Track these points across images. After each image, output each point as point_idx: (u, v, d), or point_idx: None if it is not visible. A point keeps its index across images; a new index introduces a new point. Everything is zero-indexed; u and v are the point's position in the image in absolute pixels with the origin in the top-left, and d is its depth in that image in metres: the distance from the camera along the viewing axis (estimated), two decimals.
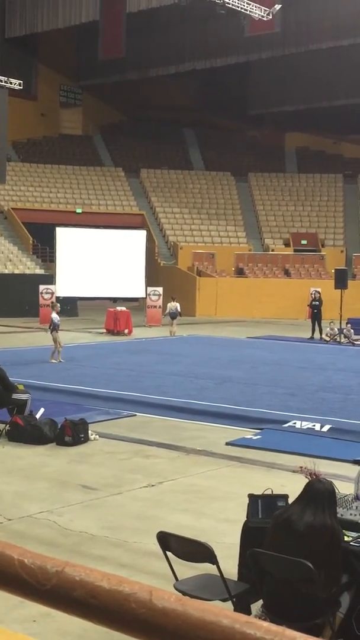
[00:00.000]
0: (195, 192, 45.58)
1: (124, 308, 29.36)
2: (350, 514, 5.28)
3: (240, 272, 40.10)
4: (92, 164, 46.47)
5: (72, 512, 7.90)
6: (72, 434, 10.92)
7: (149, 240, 38.92)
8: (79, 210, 42.01)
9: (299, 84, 44.14)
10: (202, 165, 48.73)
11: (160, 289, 32.47)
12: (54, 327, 20.08)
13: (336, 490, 5.14)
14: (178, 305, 28.79)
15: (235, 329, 30.60)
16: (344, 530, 5.05)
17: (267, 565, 4.93)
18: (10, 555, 1.00)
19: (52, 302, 24.37)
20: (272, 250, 42.20)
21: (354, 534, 5.09)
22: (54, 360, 19.62)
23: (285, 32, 36.95)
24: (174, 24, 39.60)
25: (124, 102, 49.77)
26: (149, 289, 33.00)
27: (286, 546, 4.83)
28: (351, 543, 5.05)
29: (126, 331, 28.21)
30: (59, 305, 21.92)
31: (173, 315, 28.26)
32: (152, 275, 36.50)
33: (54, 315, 20.45)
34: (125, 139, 48.98)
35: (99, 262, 35.33)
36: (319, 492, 4.95)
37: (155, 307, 32.28)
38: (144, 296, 34.02)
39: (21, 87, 33.43)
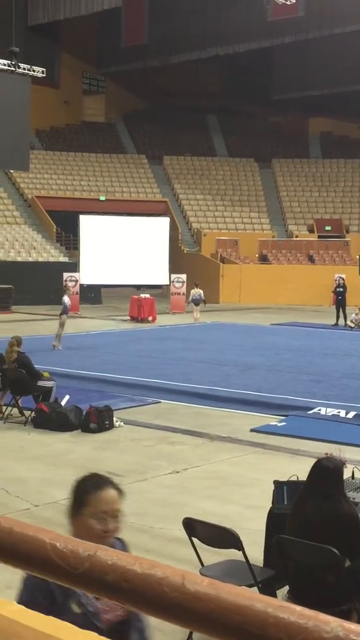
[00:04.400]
0: (218, 179, 45.44)
1: (147, 295, 29.39)
2: None
3: (264, 259, 39.97)
4: (115, 151, 46.44)
5: None
6: (97, 421, 10.97)
7: (173, 227, 38.88)
8: (102, 198, 42.03)
9: (323, 68, 43.74)
10: (225, 151, 48.54)
11: (183, 276, 32.45)
12: (63, 311, 20.09)
13: (356, 472, 5.12)
14: (201, 292, 28.78)
15: (259, 316, 30.53)
16: None
17: (292, 552, 4.93)
18: (42, 539, 1.00)
19: (65, 286, 24.33)
20: (296, 237, 42.00)
21: None
22: (55, 343, 19.56)
23: (309, 16, 36.62)
24: (196, 9, 39.37)
25: (147, 89, 49.60)
26: (173, 276, 33.01)
27: (303, 533, 4.82)
28: None
29: (150, 318, 28.24)
30: (71, 288, 21.89)
31: (196, 302, 28.26)
32: (176, 263, 36.48)
33: (66, 299, 20.45)
34: (148, 126, 48.87)
35: (123, 249, 35.38)
36: (325, 470, 4.90)
37: (178, 294, 32.28)
38: (168, 283, 34.04)
39: (44, 75, 33.39)
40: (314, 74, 44.31)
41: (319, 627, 0.76)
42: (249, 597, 0.83)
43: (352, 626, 0.74)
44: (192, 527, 5.34)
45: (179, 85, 47.68)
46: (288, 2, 33.27)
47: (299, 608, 0.82)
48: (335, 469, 4.96)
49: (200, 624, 0.85)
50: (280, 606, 0.80)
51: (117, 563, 0.93)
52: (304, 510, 4.88)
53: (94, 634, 1.21)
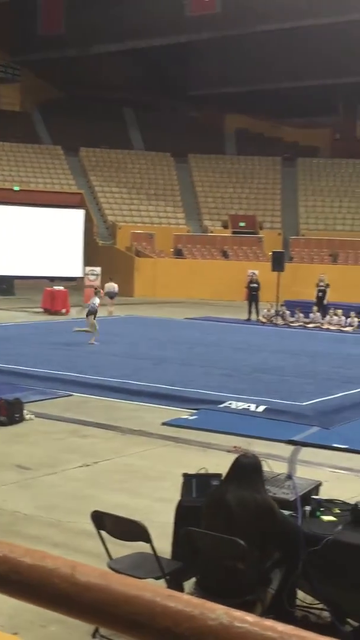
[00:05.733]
0: (134, 172, 45.37)
1: (61, 287, 29.14)
2: (283, 493, 5.36)
3: (178, 253, 40.13)
4: (30, 141, 45.80)
5: (6, 492, 7.85)
6: (7, 414, 10.83)
7: (88, 219, 38.64)
8: (16, 188, 41.37)
9: (240, 65, 44.19)
10: (141, 145, 48.50)
11: (98, 269, 32.29)
12: (90, 312, 19.93)
13: (263, 465, 5.22)
14: (116, 285, 28.73)
15: (173, 310, 30.64)
16: None
17: (200, 544, 4.98)
18: None
19: (96, 288, 23.81)
20: (211, 232, 42.31)
21: (286, 512, 5.17)
22: (94, 342, 19.42)
23: (227, 13, 36.94)
24: (115, 1, 39.20)
25: (64, 79, 49.11)
26: (87, 268, 32.81)
27: (219, 524, 4.89)
28: None
29: (63, 311, 28.03)
30: (101, 291, 21.70)
31: (111, 296, 28.18)
32: (90, 255, 36.27)
33: (96, 300, 20.32)
34: (65, 117, 48.34)
35: (37, 241, 34.98)
36: (244, 467, 5.02)
37: (92, 287, 32.08)
38: (82, 276, 33.81)
39: None
40: (231, 71, 44.72)
41: (205, 615, 0.77)
42: (139, 587, 0.84)
43: (236, 613, 0.76)
44: (101, 520, 5.34)
45: (97, 76, 47.33)
46: None
47: (186, 597, 0.83)
48: (254, 464, 5.06)
49: (91, 615, 0.85)
50: (168, 595, 0.81)
51: (8, 555, 0.92)
52: (223, 502, 4.94)
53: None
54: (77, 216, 36.78)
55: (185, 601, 0.80)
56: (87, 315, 20.18)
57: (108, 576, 0.88)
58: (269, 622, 0.76)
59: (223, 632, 0.74)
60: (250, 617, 0.75)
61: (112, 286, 28.59)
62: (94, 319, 19.86)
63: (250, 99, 46.78)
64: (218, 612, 0.77)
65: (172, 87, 47.02)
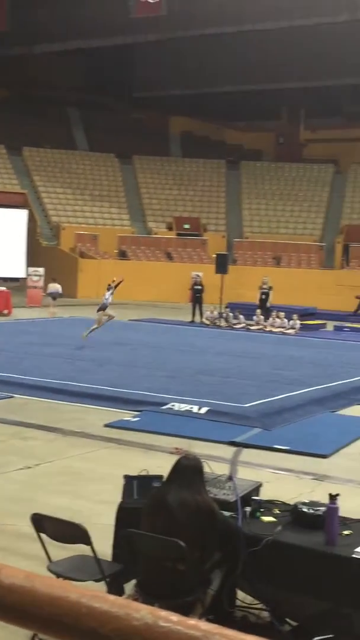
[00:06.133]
0: (79, 173, 45.15)
1: (3, 288, 28.82)
2: (223, 494, 5.39)
3: (122, 255, 40.04)
4: None
5: None
6: None
7: (31, 220, 38.34)
8: None
9: (185, 68, 44.34)
10: (86, 145, 48.29)
11: (41, 270, 32.05)
12: (101, 307, 19.93)
13: (205, 467, 5.24)
14: (59, 286, 28.57)
15: (116, 312, 30.51)
16: None
17: (140, 545, 4.98)
18: None
19: (109, 284, 23.45)
20: (155, 234, 42.33)
21: (227, 513, 5.19)
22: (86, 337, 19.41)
23: (172, 16, 36.98)
24: (60, 1, 38.97)
25: (7, 77, 48.55)
26: (30, 269, 32.53)
27: (160, 525, 4.89)
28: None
29: (6, 312, 27.74)
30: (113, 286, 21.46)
31: (54, 297, 28.01)
32: (34, 256, 35.98)
33: (108, 295, 20.34)
34: (8, 116, 47.77)
35: None
36: (185, 469, 5.04)
37: (36, 287, 31.85)
38: (25, 276, 33.50)
39: None
40: (176, 74, 44.84)
41: (130, 615, 0.76)
42: (65, 588, 0.83)
43: (161, 613, 0.76)
44: (41, 523, 5.30)
45: (41, 76, 46.97)
46: (151, 1, 33.48)
47: (112, 597, 0.82)
48: (195, 466, 5.07)
49: (16, 617, 0.84)
50: (93, 596, 0.80)
51: None
52: (164, 504, 4.94)
53: None
54: (20, 216, 36.45)
55: (111, 602, 0.80)
56: (97, 310, 20.09)
57: (32, 578, 0.87)
58: (193, 621, 0.76)
59: (148, 632, 0.74)
60: (174, 617, 0.75)
61: (56, 287, 28.40)
62: (102, 312, 19.76)
63: (195, 102, 46.98)
64: (142, 612, 0.77)
65: (117, 88, 46.92)
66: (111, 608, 0.78)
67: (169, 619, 0.75)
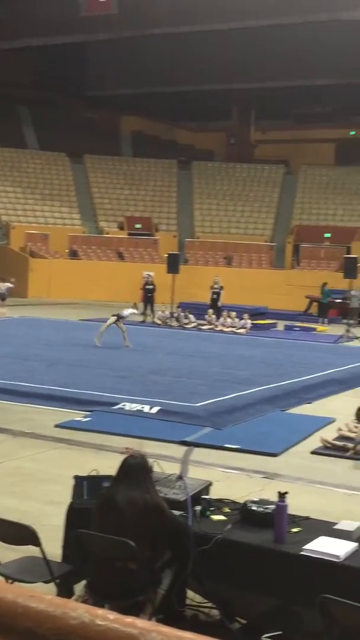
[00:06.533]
0: (29, 172, 44.79)
1: None
2: (174, 493, 5.39)
3: (74, 254, 39.84)
4: None
5: None
6: None
7: None
8: None
9: (136, 67, 44.28)
10: (36, 144, 47.93)
11: None
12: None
13: (155, 466, 5.24)
14: (8, 285, 28.30)
15: (68, 311, 30.41)
16: None
17: (90, 545, 4.96)
18: None
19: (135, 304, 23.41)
20: (107, 233, 42.21)
21: (177, 513, 5.20)
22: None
23: (123, 15, 36.93)
24: None
25: None
26: None
27: (110, 525, 4.88)
28: None
29: None
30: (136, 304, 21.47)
31: (3, 297, 27.75)
32: None
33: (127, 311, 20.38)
34: None
35: None
36: (132, 467, 5.03)
37: None
38: None
39: None
40: (127, 73, 44.77)
41: (67, 614, 0.76)
42: (2, 589, 0.82)
43: (98, 611, 0.75)
44: None
45: None
46: None
47: (49, 597, 0.82)
48: (142, 464, 5.06)
49: None
50: (30, 596, 0.79)
51: None
52: (113, 503, 4.93)
53: None
54: None
55: (47, 601, 0.79)
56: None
57: None
58: (130, 619, 0.76)
59: (84, 631, 0.73)
60: (111, 615, 0.75)
61: (5, 287, 28.13)
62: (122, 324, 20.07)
63: (146, 102, 46.96)
64: (79, 611, 0.76)
65: (68, 86, 46.66)
66: (48, 607, 0.77)
67: (106, 617, 0.74)
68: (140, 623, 0.70)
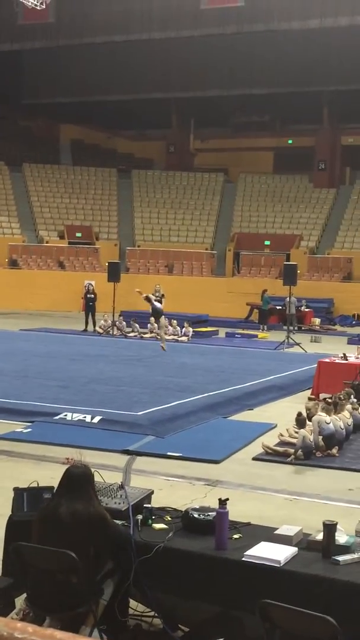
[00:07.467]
0: None
1: None
2: (115, 503, 5.37)
3: (13, 264, 39.47)
4: None
5: None
6: None
7: None
8: None
9: (73, 76, 44.13)
10: None
11: None
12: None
13: (96, 476, 5.21)
14: None
15: (7, 322, 30.08)
16: None
17: (30, 558, 4.90)
18: None
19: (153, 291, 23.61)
20: (47, 242, 41.91)
21: (119, 522, 5.18)
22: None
23: (60, 23, 36.81)
24: None
25: None
26: None
27: (52, 537, 4.84)
28: None
29: None
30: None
31: None
32: None
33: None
34: None
35: None
36: (75, 478, 5.00)
37: None
38: None
39: None
40: (65, 82, 44.56)
41: None
42: None
43: (17, 624, 0.75)
44: None
45: None
46: (38, 7, 33.21)
47: None
48: (85, 474, 5.03)
49: None
50: None
51: None
52: (54, 515, 4.89)
53: None
54: None
55: None
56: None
57: None
58: (49, 631, 0.75)
59: None
60: (30, 627, 0.75)
61: None
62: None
63: (85, 110, 46.81)
64: None
65: (4, 95, 46.20)
66: None
67: (25, 629, 0.74)
68: (59, 634, 0.70)
